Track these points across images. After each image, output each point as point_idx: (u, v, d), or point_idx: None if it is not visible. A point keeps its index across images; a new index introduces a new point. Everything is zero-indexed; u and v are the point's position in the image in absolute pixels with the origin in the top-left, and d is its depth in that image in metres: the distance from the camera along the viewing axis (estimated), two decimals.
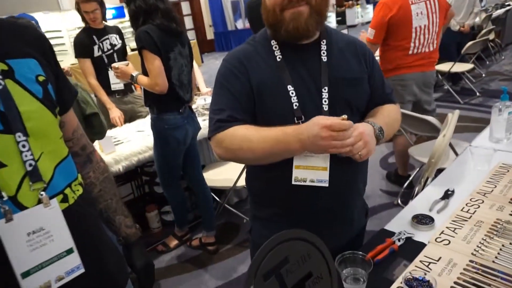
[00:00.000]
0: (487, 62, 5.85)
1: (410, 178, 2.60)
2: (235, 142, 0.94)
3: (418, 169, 2.64)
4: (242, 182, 2.24)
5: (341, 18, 14.78)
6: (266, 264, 0.67)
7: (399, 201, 2.51)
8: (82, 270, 0.70)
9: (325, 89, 0.95)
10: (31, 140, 0.66)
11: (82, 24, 2.62)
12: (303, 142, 0.86)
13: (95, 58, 2.63)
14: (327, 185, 0.93)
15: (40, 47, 0.74)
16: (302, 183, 0.94)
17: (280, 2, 0.91)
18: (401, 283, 0.83)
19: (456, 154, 1.88)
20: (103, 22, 2.65)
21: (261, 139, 0.91)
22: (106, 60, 2.65)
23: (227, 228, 2.55)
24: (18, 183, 0.64)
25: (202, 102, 2.64)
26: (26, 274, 0.62)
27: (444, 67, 4.35)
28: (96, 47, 2.61)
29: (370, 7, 15.10)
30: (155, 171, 2.43)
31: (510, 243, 0.92)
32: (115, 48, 2.70)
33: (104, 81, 2.63)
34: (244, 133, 0.93)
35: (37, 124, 0.67)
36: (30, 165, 0.65)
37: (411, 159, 2.69)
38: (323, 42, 0.99)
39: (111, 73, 2.57)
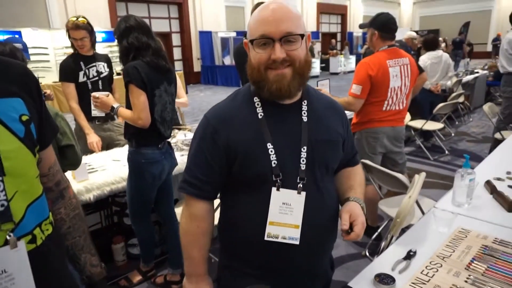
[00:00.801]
0: (456, 122, 6.21)
1: (379, 230, 2.66)
2: (184, 222, 1.06)
3: (386, 221, 2.71)
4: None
5: (325, 65, 15.50)
6: None
7: (367, 253, 2.55)
8: None
9: (304, 149, 0.99)
10: (6, 179, 0.66)
11: (69, 43, 2.64)
12: (188, 279, 1.08)
13: (80, 83, 2.64)
14: (297, 242, 0.97)
15: (26, 85, 0.76)
16: (274, 239, 0.97)
17: (265, 62, 0.94)
18: None
19: (422, 212, 1.96)
20: (92, 49, 2.69)
21: (189, 244, 1.05)
22: (90, 86, 2.67)
23: None
24: None
25: (182, 137, 2.66)
26: None
27: (417, 123, 4.59)
28: (81, 73, 2.64)
29: (353, 58, 15.93)
30: (126, 202, 2.40)
31: None
32: (101, 75, 2.73)
33: (85, 107, 2.63)
34: (189, 229, 1.05)
35: (15, 164, 0.68)
36: (2, 205, 0.65)
37: (380, 211, 2.77)
38: (304, 102, 1.03)
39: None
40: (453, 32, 18.94)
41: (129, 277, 2.30)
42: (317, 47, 15.08)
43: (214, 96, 10.21)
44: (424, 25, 20.75)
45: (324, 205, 1.04)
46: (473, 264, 1.16)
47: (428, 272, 1.13)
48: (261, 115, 1.00)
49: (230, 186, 1.05)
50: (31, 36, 8.39)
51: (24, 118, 0.72)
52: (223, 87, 12.31)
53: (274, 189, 0.97)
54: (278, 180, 0.96)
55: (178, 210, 2.37)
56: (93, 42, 2.62)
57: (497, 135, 3.93)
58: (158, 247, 2.54)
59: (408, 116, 4.04)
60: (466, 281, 1.08)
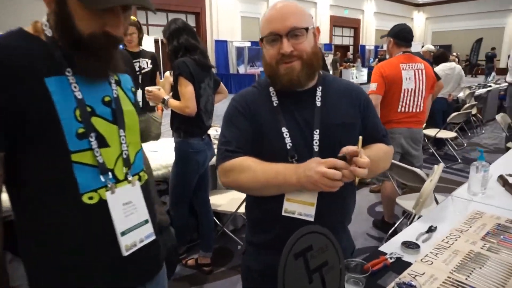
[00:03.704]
0: (469, 134, 6.34)
1: (395, 226, 2.82)
2: (241, 171, 1.03)
3: (402, 218, 2.87)
4: (242, 209, 2.42)
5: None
6: (297, 247, 0.87)
7: None
8: (154, 237, 0.89)
9: (316, 131, 1.05)
10: (126, 131, 0.88)
11: None
12: (299, 178, 0.95)
13: None
14: (312, 219, 1.02)
15: (130, 67, 1.00)
16: (291, 215, 1.04)
17: (275, 57, 1.04)
18: (393, 286, 1.03)
19: (437, 202, 2.13)
20: (140, 46, 2.95)
21: (264, 170, 1.01)
22: None
23: (222, 252, 2.68)
24: (115, 161, 0.85)
25: (214, 132, 2.88)
26: (123, 234, 0.82)
27: (431, 132, 4.75)
28: None
29: (365, 70, 16.16)
30: (163, 190, 2.60)
31: (480, 268, 1.13)
32: (143, 71, 2.98)
33: None
34: (249, 164, 1.03)
35: (131, 121, 0.90)
36: (125, 154, 0.86)
37: (396, 210, 2.94)
38: (319, 88, 1.11)
39: None
40: (465, 48, 19.10)
41: None
42: (329, 58, 15.36)
43: (227, 103, 10.41)
44: (436, 40, 20.92)
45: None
46: (488, 236, 1.33)
47: (448, 241, 1.30)
48: (276, 103, 1.09)
49: None
50: None
51: (133, 89, 0.95)
52: None
53: None
54: (294, 161, 1.03)
55: (213, 199, 2.57)
56: (140, 38, 2.88)
57: (509, 144, 4.06)
58: (190, 233, 2.73)
59: None
60: (482, 248, 1.25)
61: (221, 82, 2.36)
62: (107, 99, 0.84)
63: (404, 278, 1.04)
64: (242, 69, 13.72)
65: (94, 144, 0.79)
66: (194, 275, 2.40)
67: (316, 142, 1.05)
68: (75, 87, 0.77)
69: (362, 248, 2.71)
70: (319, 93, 1.10)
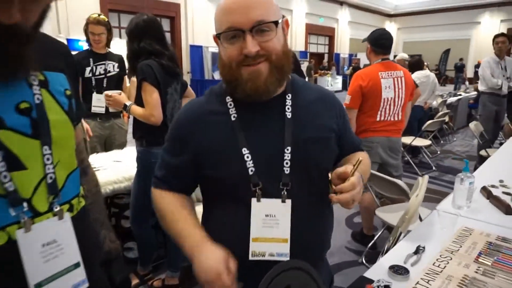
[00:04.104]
0: (442, 141, 6.43)
1: (375, 239, 2.71)
2: (158, 209, 0.97)
3: (382, 230, 2.76)
4: None
5: None
6: None
7: (363, 260, 2.58)
8: (87, 285, 0.70)
9: (287, 149, 0.86)
10: (53, 148, 0.68)
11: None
12: (192, 258, 0.84)
13: (84, 78, 2.70)
14: (288, 258, 0.85)
15: (69, 63, 0.79)
16: (261, 258, 0.85)
17: (236, 58, 0.82)
18: None
19: (421, 219, 2.02)
20: (107, 48, 2.74)
21: (171, 223, 0.92)
22: (94, 83, 2.72)
23: (191, 271, 2.46)
24: (34, 187, 0.64)
25: None
26: (38, 286, 0.62)
27: (406, 140, 4.73)
28: (88, 69, 2.71)
29: (339, 78, 16.39)
30: (125, 204, 2.38)
31: None
32: (108, 74, 2.77)
33: (86, 103, 2.68)
34: (163, 208, 0.95)
35: (61, 134, 0.70)
36: (51, 178, 0.66)
37: (375, 221, 2.84)
38: (288, 96, 0.91)
39: (95, 96, 2.67)
40: (434, 58, 19.77)
41: None
42: (304, 66, 15.47)
43: None
44: (407, 50, 21.52)
45: (317, 212, 0.93)
46: (480, 257, 1.21)
47: (439, 264, 1.18)
48: (234, 116, 0.88)
49: (207, 198, 0.99)
50: None
51: (68, 92, 0.74)
52: None
53: (254, 200, 0.85)
54: (258, 190, 0.84)
55: None
56: (109, 40, 2.68)
57: (482, 152, 4.09)
58: (156, 251, 2.51)
59: None
60: (476, 272, 1.13)
61: (188, 85, 2.18)
62: (23, 105, 0.63)
63: None
64: (217, 75, 13.53)
65: (0, 167, 0.59)
66: None
67: (287, 163, 0.86)
68: None
69: (340, 263, 2.57)
70: (288, 101, 0.90)
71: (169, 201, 0.95)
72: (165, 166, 0.98)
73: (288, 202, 0.86)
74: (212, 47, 13.51)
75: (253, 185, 0.85)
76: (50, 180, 0.66)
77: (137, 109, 1.86)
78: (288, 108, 0.89)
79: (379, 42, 2.64)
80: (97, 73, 2.73)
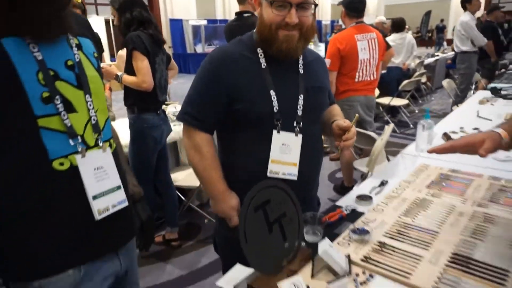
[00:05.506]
0: (420, 101, 6.70)
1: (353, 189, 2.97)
2: (191, 146, 1.14)
3: (360, 181, 3.03)
4: None
5: None
6: (255, 201, 0.91)
7: None
8: (126, 204, 0.90)
9: (301, 96, 1.13)
10: (92, 97, 0.86)
11: None
12: (214, 201, 1.16)
13: None
14: (296, 178, 1.12)
15: (91, 33, 0.96)
16: (275, 176, 1.10)
17: (278, 22, 1.04)
18: (348, 232, 1.11)
19: (388, 159, 2.28)
20: None
21: (205, 169, 1.14)
22: None
23: (189, 227, 2.71)
24: (84, 127, 0.83)
25: (173, 109, 2.84)
26: (94, 198, 0.82)
27: (385, 100, 4.97)
28: None
29: (322, 45, 16.26)
30: None
31: (424, 211, 1.25)
32: None
33: None
34: (202, 151, 1.13)
35: (96, 87, 0.87)
36: (94, 119, 0.85)
37: (355, 175, 3.09)
38: (300, 57, 1.17)
39: None
40: (416, 21, 19.82)
41: None
42: None
43: (186, 84, 10.16)
44: (389, 13, 21.36)
45: (315, 145, 1.21)
46: (432, 185, 1.45)
47: (397, 191, 1.41)
48: (264, 65, 1.11)
49: (231, 128, 1.16)
50: None
51: (95, 55, 0.92)
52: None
53: (275, 131, 1.10)
54: (279, 124, 1.09)
55: (173, 176, 2.57)
56: None
57: (454, 107, 4.36)
58: (156, 212, 2.72)
59: (376, 92, 4.39)
60: (426, 194, 1.37)
61: (171, 57, 2.33)
62: (70, 63, 0.81)
63: (357, 225, 1.13)
64: (199, 49, 13.41)
65: (60, 108, 0.76)
66: (163, 251, 2.42)
67: (300, 107, 1.13)
68: (33, 47, 0.74)
69: (325, 211, 2.83)
70: (301, 61, 1.17)
71: (208, 150, 1.14)
72: (197, 101, 1.13)
73: (300, 136, 1.13)
74: (192, 20, 13.31)
75: (276, 120, 1.09)
76: (93, 121, 0.84)
77: (128, 77, 2.01)
78: (300, 66, 1.16)
79: (353, 6, 2.80)
80: None
